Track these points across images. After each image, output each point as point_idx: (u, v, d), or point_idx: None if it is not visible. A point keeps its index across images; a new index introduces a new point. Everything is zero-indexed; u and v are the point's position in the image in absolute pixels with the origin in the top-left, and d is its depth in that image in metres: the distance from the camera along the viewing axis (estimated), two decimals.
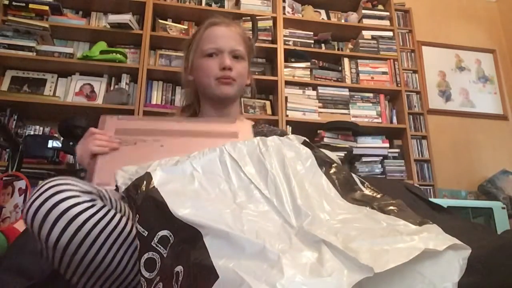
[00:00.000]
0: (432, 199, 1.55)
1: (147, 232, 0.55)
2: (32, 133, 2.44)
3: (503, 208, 2.16)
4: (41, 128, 2.49)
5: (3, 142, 1.95)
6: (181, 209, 0.52)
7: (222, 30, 1.08)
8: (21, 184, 1.57)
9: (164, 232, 0.53)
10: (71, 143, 1.89)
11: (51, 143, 2.01)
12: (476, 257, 0.60)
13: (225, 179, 0.61)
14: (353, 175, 0.68)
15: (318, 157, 0.68)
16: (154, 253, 0.53)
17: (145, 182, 0.59)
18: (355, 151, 2.70)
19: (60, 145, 1.99)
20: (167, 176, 0.60)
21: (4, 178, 1.62)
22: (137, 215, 0.57)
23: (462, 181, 3.16)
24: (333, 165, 0.68)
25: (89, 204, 0.64)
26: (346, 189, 0.63)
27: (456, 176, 3.16)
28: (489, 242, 0.66)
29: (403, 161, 2.79)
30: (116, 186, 0.64)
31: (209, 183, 0.60)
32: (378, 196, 0.62)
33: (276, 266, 0.42)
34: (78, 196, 0.64)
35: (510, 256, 0.62)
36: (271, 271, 0.41)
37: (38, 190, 0.64)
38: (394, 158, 2.80)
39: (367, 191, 0.64)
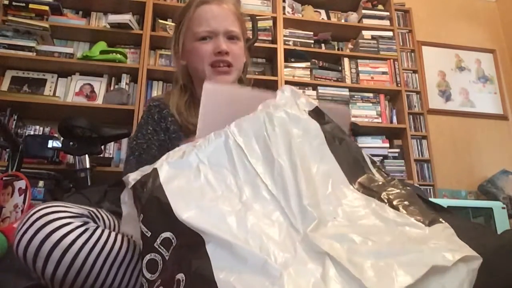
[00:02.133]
0: (432, 199, 1.55)
1: (150, 233, 0.54)
2: (32, 133, 2.44)
3: (503, 208, 2.16)
4: (41, 128, 2.49)
5: (3, 142, 1.95)
6: (185, 212, 0.51)
7: (214, 9, 0.98)
8: (21, 184, 1.57)
9: (167, 234, 0.53)
10: (71, 143, 1.89)
11: (51, 143, 2.01)
12: None
13: (231, 172, 0.59)
14: (364, 153, 0.65)
15: (328, 132, 0.65)
16: (156, 255, 0.53)
17: (151, 179, 0.58)
18: None
19: (60, 145, 1.99)
20: (174, 172, 0.59)
21: (4, 178, 1.61)
22: (142, 214, 0.56)
23: (462, 181, 3.16)
24: (343, 141, 0.64)
25: (82, 229, 0.62)
26: (355, 172, 0.61)
27: (456, 176, 3.15)
28: (489, 242, 0.66)
29: (403, 161, 2.79)
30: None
31: (215, 176, 0.59)
32: (388, 179, 0.60)
33: (277, 284, 0.41)
34: (70, 223, 0.61)
35: (510, 256, 0.62)
36: None
37: (27, 221, 0.61)
38: (394, 158, 2.80)
39: (377, 175, 0.61)
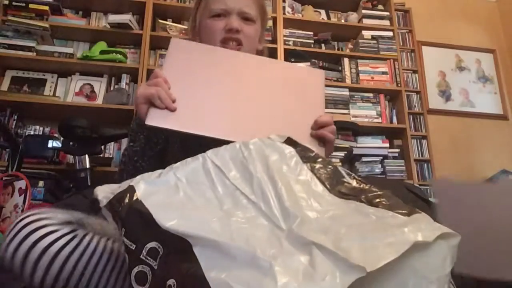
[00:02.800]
0: (432, 199, 1.54)
1: (134, 245, 0.54)
2: (32, 133, 2.44)
3: None
4: (41, 128, 2.49)
5: (3, 142, 1.95)
6: (168, 220, 0.51)
7: None
8: (21, 184, 1.57)
9: (152, 244, 0.52)
10: (71, 143, 1.89)
11: (51, 143, 2.01)
12: None
13: (210, 187, 0.60)
14: (339, 167, 0.66)
15: (302, 154, 0.67)
16: (144, 266, 0.52)
17: (128, 195, 0.58)
18: (355, 151, 2.70)
19: (60, 145, 1.99)
20: (151, 188, 0.59)
21: (4, 178, 1.61)
22: (123, 228, 0.56)
23: None
24: (318, 160, 0.67)
25: (70, 236, 0.61)
26: (333, 183, 0.62)
27: (456, 176, 3.15)
28: None
29: (403, 161, 2.79)
30: (97, 200, 0.62)
31: (194, 192, 0.59)
32: (366, 187, 0.61)
33: (269, 274, 0.41)
34: (57, 230, 0.60)
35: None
36: (264, 279, 0.41)
37: (14, 228, 0.60)
38: (394, 158, 2.80)
39: (354, 183, 0.63)
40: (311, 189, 0.60)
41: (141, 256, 0.52)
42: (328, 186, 0.61)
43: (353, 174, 0.65)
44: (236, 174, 0.61)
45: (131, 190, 0.58)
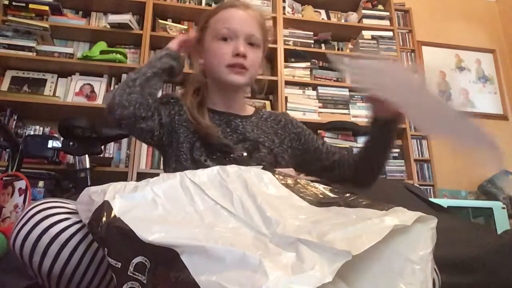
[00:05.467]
0: (432, 199, 1.55)
1: (120, 263, 0.53)
2: (32, 133, 2.44)
3: (503, 208, 2.16)
4: (41, 128, 2.49)
5: (3, 142, 1.95)
6: (150, 233, 0.51)
7: (240, 13, 0.99)
8: (21, 184, 1.57)
9: (138, 259, 0.52)
10: (71, 143, 1.89)
11: (51, 143, 2.00)
12: (477, 257, 0.60)
13: (189, 203, 0.60)
14: (317, 184, 0.68)
15: (280, 177, 0.69)
16: (133, 282, 0.52)
17: (105, 213, 0.57)
18: (355, 151, 2.70)
19: (60, 145, 1.99)
20: (128, 204, 0.58)
21: (4, 178, 1.62)
22: (106, 248, 0.55)
23: (462, 181, 3.16)
24: (295, 180, 0.68)
25: (79, 225, 0.61)
26: (312, 197, 0.64)
27: (456, 176, 3.15)
28: (489, 242, 0.66)
29: (403, 161, 2.79)
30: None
31: (173, 207, 0.59)
32: (344, 195, 0.63)
33: (259, 270, 0.42)
34: (67, 219, 0.61)
35: (510, 256, 0.62)
36: (255, 276, 0.41)
37: (24, 216, 0.61)
38: (394, 158, 2.80)
39: (332, 194, 0.65)
40: (291, 202, 0.61)
41: (128, 273, 0.52)
42: (307, 200, 0.63)
43: (330, 187, 0.67)
44: (215, 192, 0.62)
45: (107, 207, 0.58)
